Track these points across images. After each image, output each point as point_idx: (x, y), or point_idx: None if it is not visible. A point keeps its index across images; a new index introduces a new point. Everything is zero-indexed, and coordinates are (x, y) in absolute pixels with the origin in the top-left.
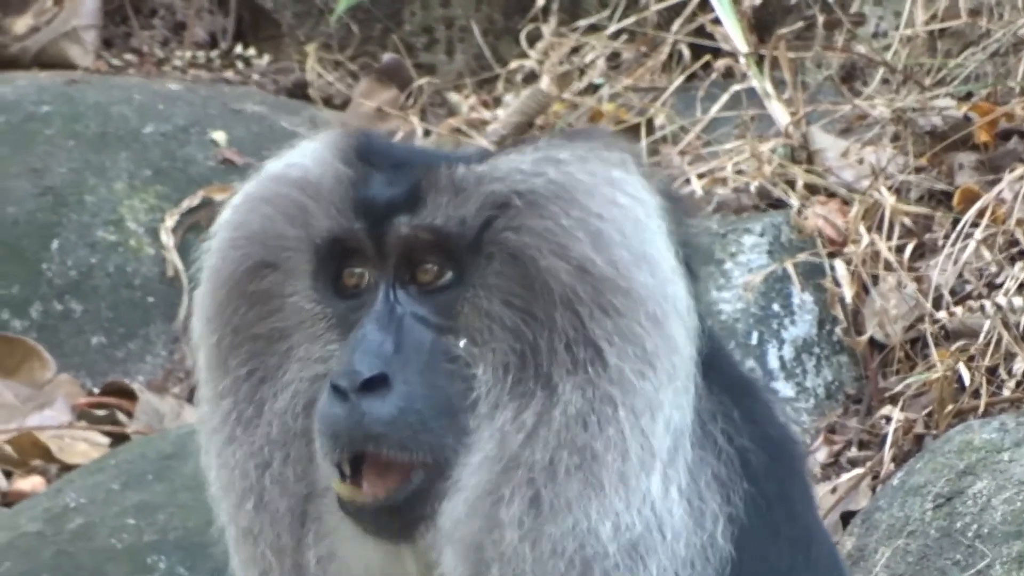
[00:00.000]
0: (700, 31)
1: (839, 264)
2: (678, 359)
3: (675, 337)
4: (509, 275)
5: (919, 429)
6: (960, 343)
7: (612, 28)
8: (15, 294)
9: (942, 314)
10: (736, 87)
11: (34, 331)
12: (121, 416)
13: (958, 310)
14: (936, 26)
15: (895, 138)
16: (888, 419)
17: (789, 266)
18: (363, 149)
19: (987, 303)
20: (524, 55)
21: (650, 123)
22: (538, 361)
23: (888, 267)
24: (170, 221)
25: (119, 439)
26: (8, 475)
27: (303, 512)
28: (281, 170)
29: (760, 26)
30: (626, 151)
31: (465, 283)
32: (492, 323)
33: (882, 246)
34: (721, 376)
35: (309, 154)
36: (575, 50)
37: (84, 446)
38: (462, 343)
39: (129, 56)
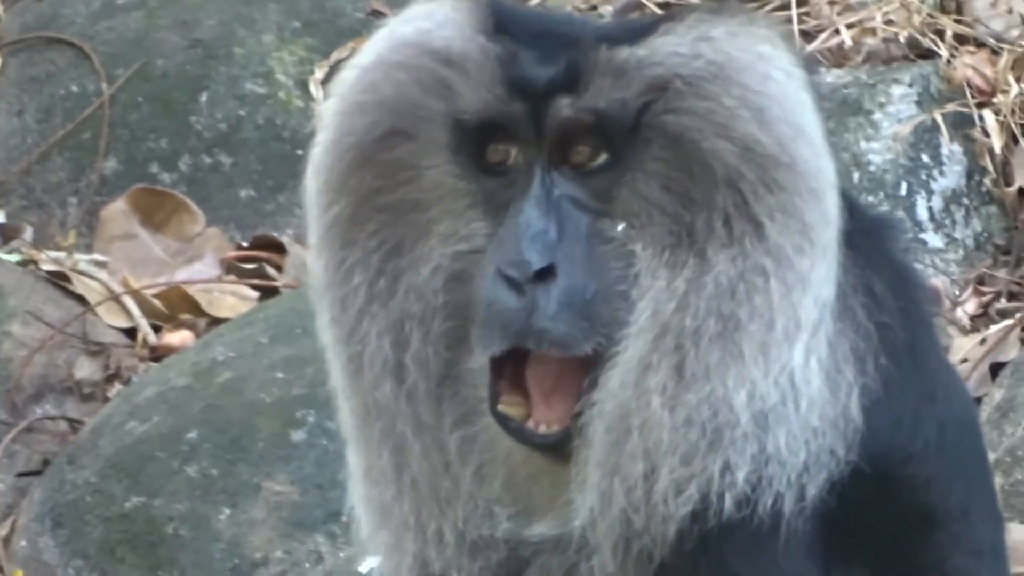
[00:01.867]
0: None
1: (988, 115)
2: (832, 233)
3: (830, 210)
4: (668, 159)
5: None
6: None
7: None
8: (164, 147)
9: None
10: None
11: (183, 184)
12: (270, 269)
13: None
14: None
15: None
16: None
17: (938, 116)
18: (503, 20)
19: None
20: None
21: None
22: (694, 239)
23: None
24: (319, 73)
25: (268, 292)
26: (157, 329)
27: (441, 391)
28: (417, 36)
29: None
30: (772, 25)
31: (622, 166)
32: (651, 207)
33: None
34: (866, 248)
35: (446, 22)
36: None
37: (233, 300)
38: (620, 227)
39: None
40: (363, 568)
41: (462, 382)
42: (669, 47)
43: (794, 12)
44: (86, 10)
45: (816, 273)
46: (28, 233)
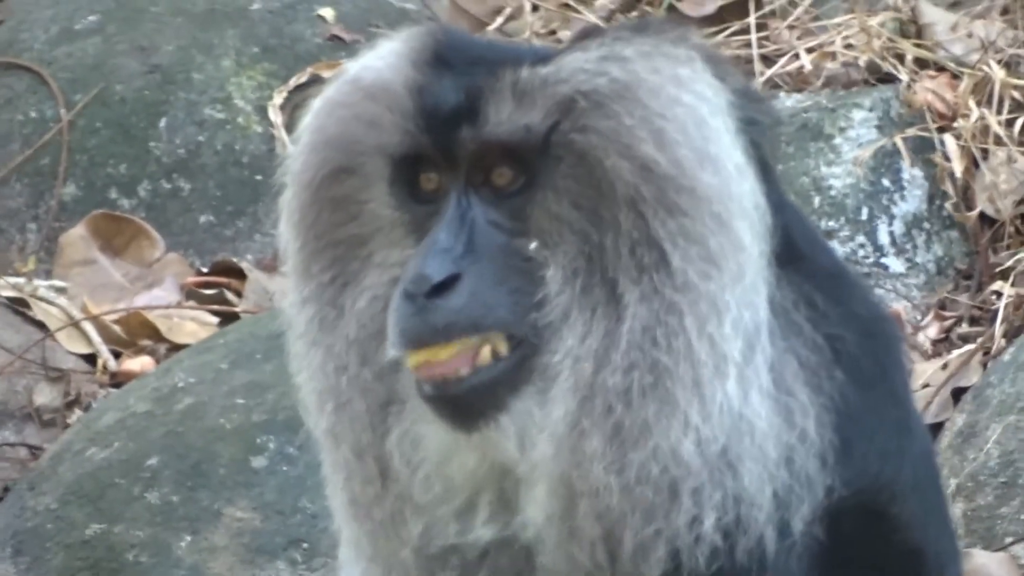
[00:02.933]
0: None
1: (949, 139)
2: (744, 257)
3: (740, 236)
4: (577, 176)
5: None
6: None
7: None
8: (123, 173)
9: None
10: None
11: (142, 210)
12: (230, 295)
13: None
14: None
15: (1004, 11)
16: (999, 295)
17: (899, 141)
18: (437, 50)
19: None
20: None
21: None
22: (604, 266)
23: (998, 141)
24: (278, 98)
25: (228, 318)
26: (117, 355)
27: (384, 414)
28: (356, 74)
29: None
30: (694, 47)
31: (536, 186)
32: (562, 225)
33: (992, 120)
34: (805, 265)
35: (385, 56)
36: None
37: (193, 326)
38: (533, 245)
39: None
40: None
41: (404, 402)
42: (575, 65)
43: (753, 36)
44: (44, 35)
45: (726, 299)
46: None
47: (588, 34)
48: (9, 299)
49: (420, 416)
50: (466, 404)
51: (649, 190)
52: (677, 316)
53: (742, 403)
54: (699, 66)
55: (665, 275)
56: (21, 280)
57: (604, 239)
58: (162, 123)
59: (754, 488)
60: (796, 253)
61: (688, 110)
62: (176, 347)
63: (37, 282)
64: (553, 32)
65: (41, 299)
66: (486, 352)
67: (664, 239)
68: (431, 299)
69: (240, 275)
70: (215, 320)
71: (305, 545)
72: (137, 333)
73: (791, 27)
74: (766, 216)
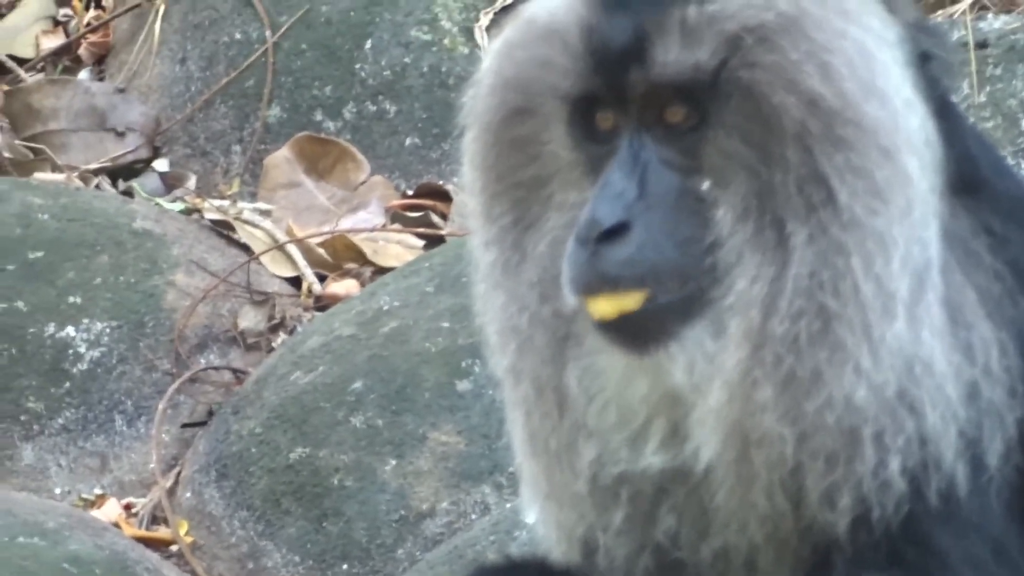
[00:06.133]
0: None
1: None
2: (912, 191)
3: (908, 169)
4: (746, 113)
5: None
6: None
7: None
8: (328, 95)
9: None
10: None
11: (348, 132)
12: (435, 218)
13: None
14: None
15: None
16: None
17: None
18: None
19: None
20: None
21: None
22: (773, 205)
23: None
24: (484, 20)
25: (433, 241)
26: (322, 278)
27: (563, 348)
28: (532, 14)
29: None
30: None
31: (708, 124)
32: (733, 163)
33: None
34: (986, 193)
35: None
36: None
37: (398, 249)
38: (705, 184)
39: None
40: (530, 519)
41: (582, 337)
42: (741, 1)
43: None
44: None
45: (894, 234)
46: (192, 182)
47: None
48: (214, 222)
49: (597, 348)
50: (639, 329)
51: (815, 124)
52: (844, 257)
53: (914, 343)
54: None
55: (832, 212)
56: (226, 203)
57: (773, 176)
58: (367, 44)
59: (938, 428)
60: (977, 181)
61: (854, 43)
62: (381, 270)
63: (242, 204)
64: None
65: (246, 222)
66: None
67: (831, 174)
68: (602, 245)
69: (445, 198)
70: (420, 243)
71: (510, 470)
72: (342, 256)
73: None
74: (937, 149)
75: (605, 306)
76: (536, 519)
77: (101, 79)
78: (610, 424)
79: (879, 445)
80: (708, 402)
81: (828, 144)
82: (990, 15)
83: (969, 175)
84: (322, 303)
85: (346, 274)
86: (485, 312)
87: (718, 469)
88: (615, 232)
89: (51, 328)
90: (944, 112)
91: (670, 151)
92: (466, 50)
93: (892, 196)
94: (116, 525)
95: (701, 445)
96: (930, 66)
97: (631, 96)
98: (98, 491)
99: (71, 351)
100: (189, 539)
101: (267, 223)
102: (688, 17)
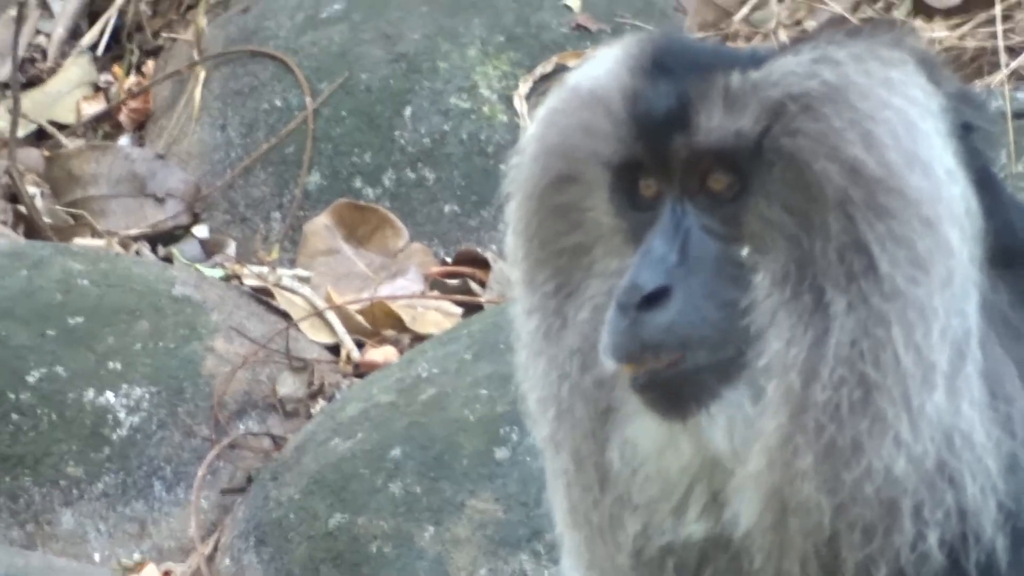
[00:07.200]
0: None
1: None
2: (953, 262)
3: (949, 240)
4: (788, 181)
5: None
6: None
7: None
8: (368, 162)
9: None
10: None
11: (387, 199)
12: (474, 285)
13: None
14: None
15: None
16: None
17: None
18: (654, 56)
19: None
20: None
21: None
22: (813, 272)
23: None
24: (523, 87)
25: (472, 308)
26: (360, 345)
27: (604, 421)
28: (576, 82)
29: None
30: (908, 50)
31: (750, 191)
32: (774, 230)
33: None
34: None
35: (604, 63)
36: None
37: (437, 316)
38: (745, 251)
39: None
40: None
41: (623, 410)
42: (786, 68)
43: (999, 27)
44: (289, 23)
45: (934, 305)
46: (231, 248)
47: (808, 37)
48: (253, 288)
49: (637, 414)
50: (676, 391)
51: (857, 192)
52: (884, 327)
53: (954, 415)
54: (911, 69)
55: (873, 281)
56: (265, 269)
57: (814, 244)
58: (407, 112)
59: (978, 500)
60: (1017, 253)
61: (898, 113)
62: (420, 337)
63: (281, 271)
64: (799, 23)
65: (285, 288)
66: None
67: (872, 242)
68: (642, 312)
69: (484, 265)
70: (459, 310)
71: (548, 537)
72: (381, 323)
73: None
74: (977, 220)
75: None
76: None
77: (141, 145)
78: (653, 496)
79: (918, 517)
80: (747, 467)
81: (870, 212)
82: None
83: (1009, 246)
84: (361, 370)
85: (385, 341)
86: (526, 380)
87: (755, 535)
88: (656, 297)
89: (91, 394)
90: (984, 183)
91: (712, 218)
92: (505, 118)
93: (933, 266)
94: None
95: (740, 511)
96: (971, 136)
97: (674, 163)
98: (137, 557)
99: (111, 416)
100: None
101: (306, 290)
102: (732, 84)
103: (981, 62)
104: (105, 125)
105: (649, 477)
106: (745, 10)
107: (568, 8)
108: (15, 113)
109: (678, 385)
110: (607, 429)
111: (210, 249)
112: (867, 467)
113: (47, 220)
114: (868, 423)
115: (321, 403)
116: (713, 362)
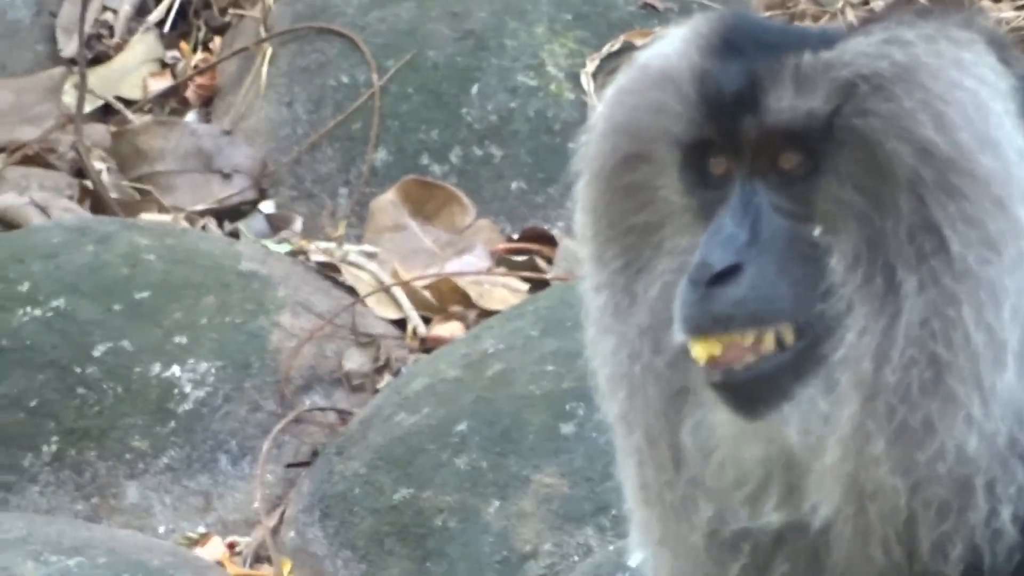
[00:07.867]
0: None
1: None
2: None
3: (1020, 220)
4: (859, 161)
5: None
6: None
7: None
8: (435, 139)
9: None
10: None
11: (454, 176)
12: (540, 262)
13: None
14: None
15: None
16: None
17: None
18: (724, 35)
19: None
20: None
21: None
22: (884, 253)
23: None
24: (591, 66)
25: (538, 285)
26: (427, 321)
27: (677, 402)
28: (645, 61)
29: None
30: (979, 31)
31: (820, 171)
32: (845, 210)
33: None
34: None
35: (673, 42)
36: None
37: (503, 292)
38: (816, 231)
39: None
40: (632, 562)
41: (697, 391)
42: (857, 49)
43: None
44: (357, 0)
45: (1005, 284)
46: (298, 224)
47: (877, 17)
48: (320, 264)
49: (711, 403)
50: (749, 392)
51: (928, 173)
52: (955, 307)
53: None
54: (982, 49)
55: (944, 262)
56: (332, 245)
57: (884, 224)
58: (474, 89)
59: None
60: None
61: (969, 93)
62: (486, 313)
63: (348, 247)
64: (866, 2)
65: (352, 264)
66: (770, 340)
67: (943, 223)
68: (713, 287)
69: (551, 242)
70: (525, 286)
71: (614, 512)
72: (447, 299)
73: None
74: None
75: (714, 348)
76: (643, 563)
77: (208, 121)
78: (728, 483)
79: (991, 494)
80: (824, 460)
81: (941, 193)
82: None
83: None
84: (427, 345)
85: (451, 317)
86: (595, 356)
87: (836, 524)
88: (726, 275)
89: (157, 368)
90: None
91: (782, 197)
92: (572, 96)
93: (1004, 246)
94: (220, 564)
95: (819, 503)
96: None
97: (744, 142)
98: (202, 530)
99: (176, 391)
100: None
101: (373, 265)
102: (802, 64)
103: None
104: (172, 101)
105: (723, 464)
106: None
107: None
108: (82, 89)
109: (753, 386)
110: (681, 410)
111: (277, 225)
112: (940, 447)
113: (114, 195)
114: (939, 403)
115: (387, 378)
116: (786, 361)
